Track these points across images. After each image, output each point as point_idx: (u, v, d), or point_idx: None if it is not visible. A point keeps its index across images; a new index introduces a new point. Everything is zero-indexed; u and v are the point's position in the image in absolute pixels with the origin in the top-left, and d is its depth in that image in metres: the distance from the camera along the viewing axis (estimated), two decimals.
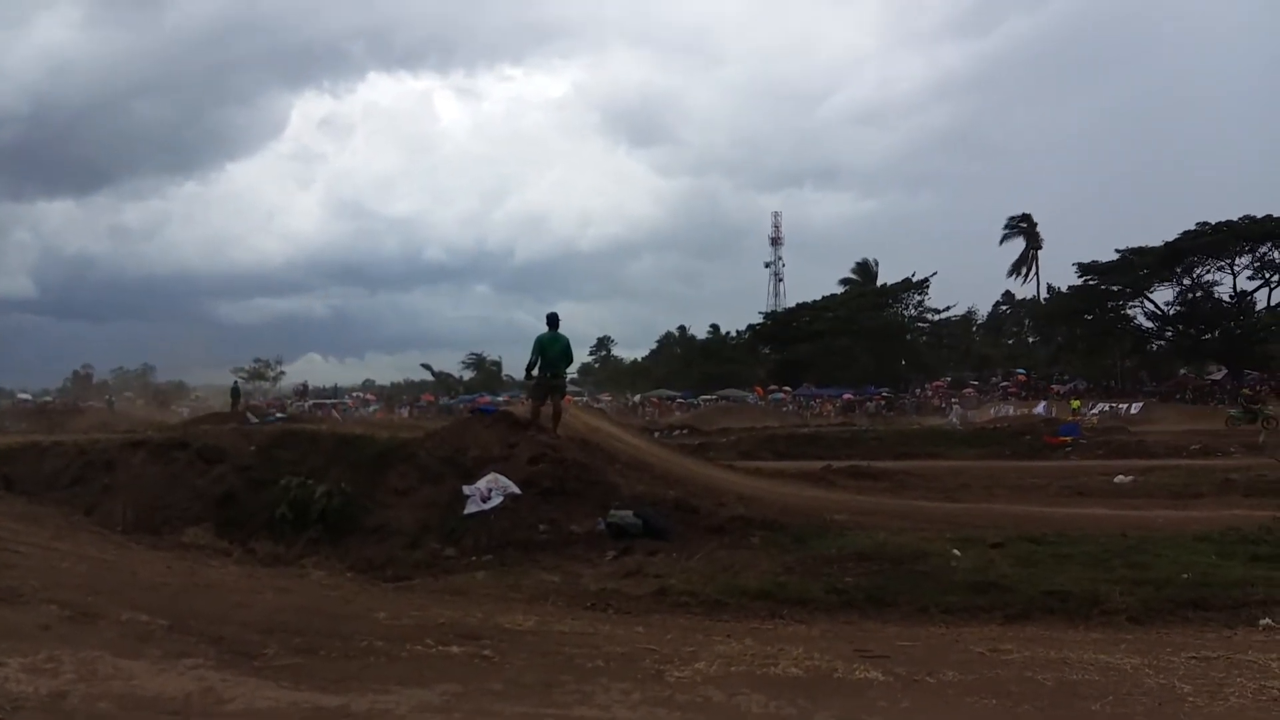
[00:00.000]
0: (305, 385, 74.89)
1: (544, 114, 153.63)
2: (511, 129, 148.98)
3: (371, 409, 63.71)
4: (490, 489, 10.70)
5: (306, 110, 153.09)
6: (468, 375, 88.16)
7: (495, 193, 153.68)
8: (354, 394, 74.87)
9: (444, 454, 11.63)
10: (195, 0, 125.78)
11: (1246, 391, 39.17)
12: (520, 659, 5.89)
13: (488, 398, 57.38)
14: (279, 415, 30.58)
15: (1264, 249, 55.96)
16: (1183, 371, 59.17)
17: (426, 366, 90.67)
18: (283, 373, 78.21)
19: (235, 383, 55.54)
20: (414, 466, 11.39)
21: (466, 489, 10.71)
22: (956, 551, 8.74)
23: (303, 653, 5.88)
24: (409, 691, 5.21)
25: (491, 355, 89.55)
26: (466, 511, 10.45)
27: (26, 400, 63.01)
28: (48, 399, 65.61)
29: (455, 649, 6.03)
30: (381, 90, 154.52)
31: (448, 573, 9.03)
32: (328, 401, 64.25)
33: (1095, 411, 44.16)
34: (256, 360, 75.89)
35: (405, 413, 61.14)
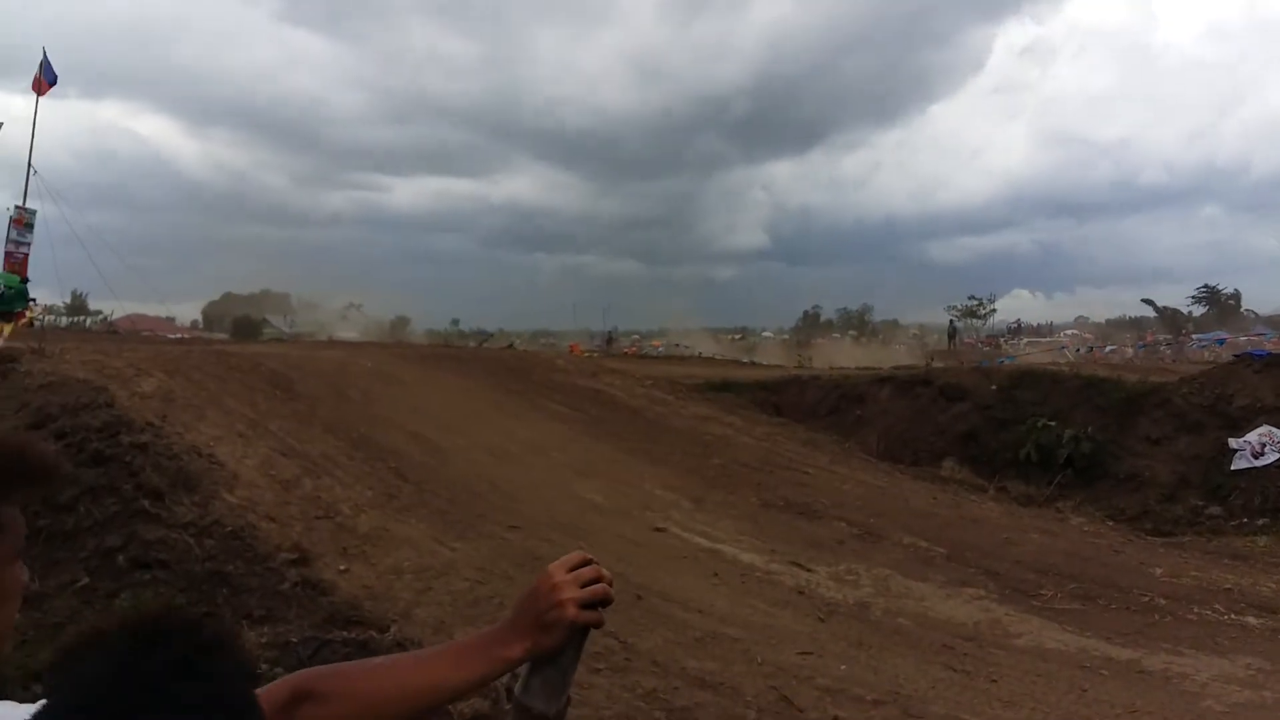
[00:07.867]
0: (1018, 323, 73.81)
1: None
2: (1248, 22, 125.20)
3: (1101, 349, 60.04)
4: (1264, 443, 9.47)
5: (1008, 40, 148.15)
6: (1197, 311, 78.12)
7: (1227, 100, 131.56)
8: (1068, 332, 71.37)
9: (1203, 401, 10.58)
10: None
11: None
12: None
13: (1231, 337, 50.18)
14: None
15: None
16: None
17: (1148, 302, 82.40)
18: (994, 310, 77.99)
19: (950, 321, 56.94)
20: (1168, 414, 10.58)
21: (1233, 442, 9.63)
22: None
23: (1080, 599, 5.92)
24: (1206, 659, 4.92)
25: (1225, 288, 77.99)
26: (1233, 467, 9.43)
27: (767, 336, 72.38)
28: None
29: (1251, 620, 5.52)
30: (1084, 6, 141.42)
31: (1216, 533, 8.29)
32: (1043, 340, 62.32)
33: None
34: (970, 298, 76.67)
35: (1129, 353, 56.55)
